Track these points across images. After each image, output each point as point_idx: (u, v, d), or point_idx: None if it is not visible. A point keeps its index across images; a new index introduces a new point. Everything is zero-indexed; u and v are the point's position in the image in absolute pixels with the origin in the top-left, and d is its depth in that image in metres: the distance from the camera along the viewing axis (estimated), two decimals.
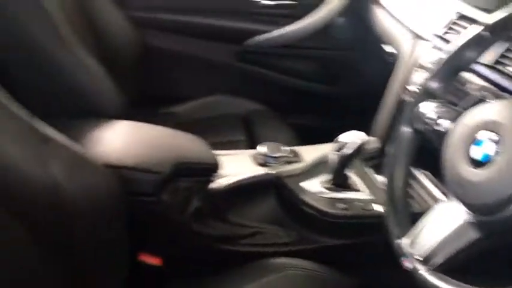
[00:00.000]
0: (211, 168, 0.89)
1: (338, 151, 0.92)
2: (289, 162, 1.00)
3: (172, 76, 1.55)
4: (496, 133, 0.55)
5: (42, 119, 0.68)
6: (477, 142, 0.57)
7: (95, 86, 0.99)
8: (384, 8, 1.31)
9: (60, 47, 0.94)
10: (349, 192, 0.96)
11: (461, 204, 0.60)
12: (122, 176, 0.78)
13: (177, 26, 1.50)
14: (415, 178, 0.91)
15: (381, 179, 0.96)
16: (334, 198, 0.94)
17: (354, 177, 1.00)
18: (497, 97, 0.74)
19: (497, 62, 0.78)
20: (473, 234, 0.58)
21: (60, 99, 0.95)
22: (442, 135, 0.64)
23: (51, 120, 0.69)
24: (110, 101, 1.01)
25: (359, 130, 0.94)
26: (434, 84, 0.72)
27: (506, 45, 0.77)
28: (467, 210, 0.59)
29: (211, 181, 0.91)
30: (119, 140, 0.88)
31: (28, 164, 0.63)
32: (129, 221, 0.78)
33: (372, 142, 0.94)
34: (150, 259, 0.88)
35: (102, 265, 0.77)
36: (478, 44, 0.69)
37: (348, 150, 0.91)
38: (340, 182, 0.97)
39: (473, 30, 0.69)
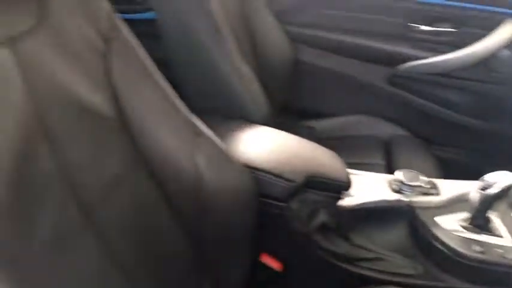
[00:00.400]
0: (343, 186, 0.90)
1: (482, 190, 0.86)
2: (426, 194, 0.95)
3: (319, 91, 1.58)
4: None
5: (197, 114, 0.75)
6: None
7: (246, 92, 1.06)
8: None
9: (220, 51, 1.03)
10: (488, 236, 0.89)
11: None
12: (258, 177, 0.83)
13: (329, 43, 1.54)
14: None
15: None
16: (471, 239, 0.87)
17: (496, 220, 0.91)
18: None
19: None
20: None
21: (215, 99, 1.04)
22: None
23: (204, 117, 0.77)
24: (258, 107, 1.08)
25: (509, 171, 0.86)
26: None
27: None
28: None
29: (341, 198, 0.91)
30: (260, 144, 0.93)
31: (181, 153, 0.70)
32: (257, 221, 0.83)
33: None
34: (271, 262, 0.91)
35: (228, 258, 0.82)
36: None
37: (493, 191, 0.84)
38: (479, 224, 0.90)
39: None
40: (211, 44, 1.01)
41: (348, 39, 1.52)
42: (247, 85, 1.06)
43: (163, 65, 0.94)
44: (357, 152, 1.35)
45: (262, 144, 0.93)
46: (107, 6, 0.66)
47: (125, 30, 0.68)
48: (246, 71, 1.06)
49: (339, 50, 1.54)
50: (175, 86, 0.75)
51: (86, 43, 0.62)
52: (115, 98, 0.65)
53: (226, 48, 1.03)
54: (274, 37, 1.41)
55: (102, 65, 0.64)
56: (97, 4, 0.65)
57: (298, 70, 1.51)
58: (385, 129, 1.46)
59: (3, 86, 0.51)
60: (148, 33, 1.38)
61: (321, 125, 1.53)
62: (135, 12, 1.50)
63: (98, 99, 0.62)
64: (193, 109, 0.75)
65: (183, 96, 0.74)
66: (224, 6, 1.09)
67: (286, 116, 1.51)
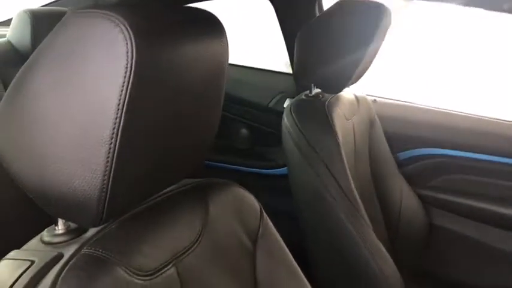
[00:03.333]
0: None
1: None
2: None
3: (454, 259, 1.49)
4: None
5: None
6: None
7: (376, 262, 1.04)
8: None
9: (357, 230, 1.04)
10: None
11: None
12: None
13: (463, 208, 1.47)
14: None
15: None
16: None
17: None
18: None
19: None
20: None
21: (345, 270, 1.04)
22: None
23: None
24: (389, 277, 1.05)
25: None
26: None
27: None
28: None
29: None
30: None
31: None
32: None
33: None
34: None
35: None
36: None
37: None
38: None
39: None
40: (345, 218, 1.04)
41: (483, 205, 1.45)
42: (378, 255, 1.04)
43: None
44: None
45: None
46: (257, 205, 0.73)
47: (270, 226, 0.74)
48: (383, 252, 1.05)
49: (473, 215, 1.46)
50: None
51: (239, 248, 0.69)
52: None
53: (360, 223, 1.04)
54: (407, 201, 1.40)
55: (249, 265, 0.69)
56: (249, 205, 0.72)
57: (432, 234, 1.46)
58: None
59: None
60: (278, 187, 1.47)
61: None
62: (271, 168, 1.61)
63: None
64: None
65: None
66: (356, 171, 1.13)
67: (420, 283, 1.43)
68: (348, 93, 1.28)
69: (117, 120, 0.45)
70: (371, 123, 1.34)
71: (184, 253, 0.60)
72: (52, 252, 0.52)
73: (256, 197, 1.65)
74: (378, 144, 1.36)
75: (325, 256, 1.08)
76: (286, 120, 1.10)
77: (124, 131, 0.46)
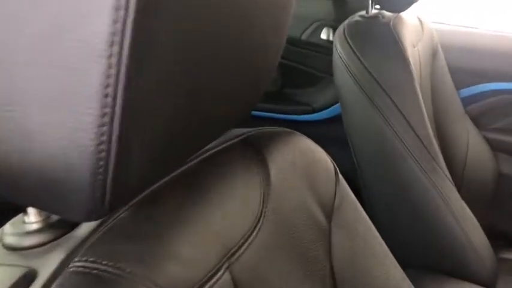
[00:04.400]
0: None
1: None
2: None
3: None
4: None
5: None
6: None
7: (463, 229, 0.82)
8: None
9: (430, 180, 0.81)
10: None
11: None
12: None
13: None
14: None
15: None
16: None
17: None
18: None
19: None
20: None
21: (421, 246, 0.81)
22: None
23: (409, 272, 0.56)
24: (483, 263, 0.82)
25: None
26: None
27: None
28: None
29: None
30: None
31: None
32: None
33: None
34: None
35: None
36: None
37: None
38: None
39: None
40: (421, 173, 0.80)
41: None
42: (470, 233, 0.81)
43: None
44: None
45: None
46: (331, 164, 0.50)
47: (348, 192, 0.52)
48: (471, 217, 0.83)
49: None
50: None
51: (311, 227, 0.46)
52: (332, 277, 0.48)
53: (439, 176, 0.81)
54: (475, 147, 1.17)
55: (325, 250, 0.47)
56: (322, 165, 0.49)
57: (501, 187, 1.23)
58: None
59: None
60: (314, 136, 1.24)
61: None
62: (305, 113, 1.37)
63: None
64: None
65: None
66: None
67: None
68: (410, 15, 1.01)
69: (121, 19, 0.22)
70: (433, 54, 1.08)
71: (240, 247, 0.38)
72: (17, 268, 0.29)
73: None
74: (441, 78, 1.11)
75: (394, 224, 0.85)
76: (339, 47, 0.84)
77: (135, 44, 0.22)
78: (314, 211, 0.47)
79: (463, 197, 1.15)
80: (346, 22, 0.91)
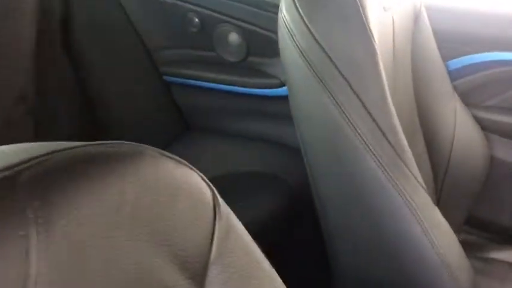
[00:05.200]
0: None
1: None
2: None
3: None
4: None
5: None
6: None
7: (433, 242, 0.66)
8: None
9: (390, 171, 0.64)
10: None
11: None
12: None
13: None
14: None
15: None
16: None
17: None
18: None
19: None
20: None
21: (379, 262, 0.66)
22: None
23: None
24: (454, 266, 0.67)
25: None
26: None
27: None
28: None
29: None
30: None
31: None
32: None
33: None
34: None
35: None
36: None
37: None
38: None
39: None
40: (381, 171, 0.63)
41: None
42: (443, 248, 0.64)
43: None
44: None
45: None
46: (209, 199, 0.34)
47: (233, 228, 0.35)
48: (446, 228, 0.66)
49: None
50: None
51: None
52: None
53: (405, 177, 0.64)
54: (463, 128, 1.00)
55: None
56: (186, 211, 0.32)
57: (493, 172, 1.07)
58: None
59: None
60: (281, 113, 1.06)
61: None
62: (271, 87, 1.19)
63: None
64: None
65: None
66: (395, 88, 0.72)
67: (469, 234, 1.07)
68: None
69: None
70: (415, 17, 0.90)
71: None
72: None
73: (254, 127, 1.20)
74: (424, 47, 0.93)
75: (351, 233, 0.69)
76: (285, 12, 0.67)
77: None
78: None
79: (450, 185, 1.00)
80: None
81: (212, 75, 1.26)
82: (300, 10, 0.64)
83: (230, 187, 1.18)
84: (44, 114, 1.11)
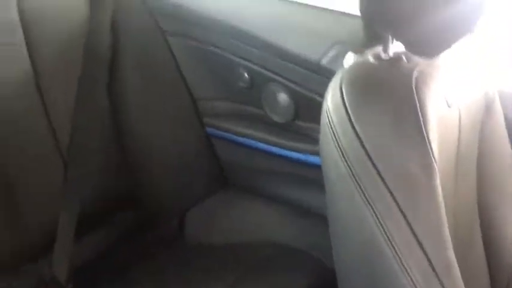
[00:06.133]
0: None
1: None
2: None
3: None
4: None
5: None
6: None
7: None
8: None
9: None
10: None
11: None
12: None
13: None
14: None
15: None
16: None
17: None
18: None
19: None
20: None
21: None
22: None
23: None
24: None
25: None
26: None
27: None
28: None
29: None
30: None
31: None
32: None
33: None
34: None
35: None
36: None
37: None
38: None
39: None
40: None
41: None
42: None
43: None
44: None
45: None
46: None
47: None
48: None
49: None
50: None
51: None
52: None
53: None
54: None
55: None
56: None
57: None
58: None
59: None
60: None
61: None
62: (315, 154, 1.10)
63: None
64: None
65: None
66: (456, 191, 0.61)
67: None
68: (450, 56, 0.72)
69: None
70: (487, 110, 0.78)
71: None
72: None
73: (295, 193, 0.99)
74: (495, 144, 0.80)
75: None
76: (329, 103, 0.57)
77: None
78: None
79: None
80: (352, 63, 0.64)
81: (256, 133, 1.19)
82: (348, 105, 0.55)
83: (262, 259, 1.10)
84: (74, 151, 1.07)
